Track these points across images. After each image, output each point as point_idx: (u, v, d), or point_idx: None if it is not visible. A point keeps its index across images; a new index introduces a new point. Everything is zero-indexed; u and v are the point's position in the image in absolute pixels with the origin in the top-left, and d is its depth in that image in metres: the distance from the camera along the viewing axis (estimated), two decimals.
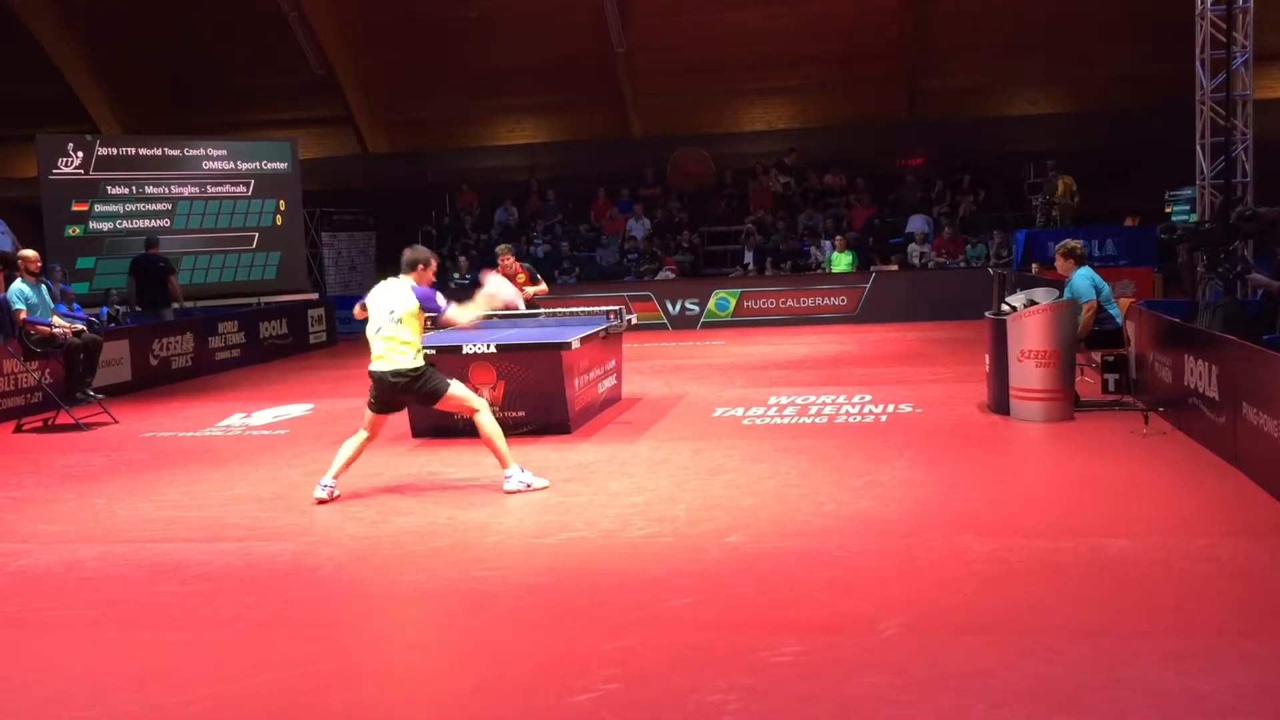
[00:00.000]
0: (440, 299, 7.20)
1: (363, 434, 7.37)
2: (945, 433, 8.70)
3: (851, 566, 5.47)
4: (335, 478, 7.26)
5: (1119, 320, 9.42)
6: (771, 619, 4.78)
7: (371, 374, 7.22)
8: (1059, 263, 9.58)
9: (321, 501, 7.14)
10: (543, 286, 11.86)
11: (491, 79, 21.46)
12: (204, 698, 4.18)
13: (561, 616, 4.97)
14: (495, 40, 20.80)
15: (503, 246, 12.03)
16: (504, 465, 7.26)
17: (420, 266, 7.27)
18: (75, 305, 13.47)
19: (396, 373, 7.08)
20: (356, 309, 7.50)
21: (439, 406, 7.45)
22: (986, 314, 9.58)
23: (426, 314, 7.23)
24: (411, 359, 7.10)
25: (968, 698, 3.90)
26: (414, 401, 7.46)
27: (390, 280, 7.29)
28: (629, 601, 5.07)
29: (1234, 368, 7.13)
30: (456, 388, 7.29)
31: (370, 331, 7.19)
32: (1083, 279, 9.29)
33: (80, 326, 11.15)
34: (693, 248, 20.59)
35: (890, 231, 19.92)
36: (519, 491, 7.15)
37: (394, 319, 7.08)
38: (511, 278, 10.83)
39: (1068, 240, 9.80)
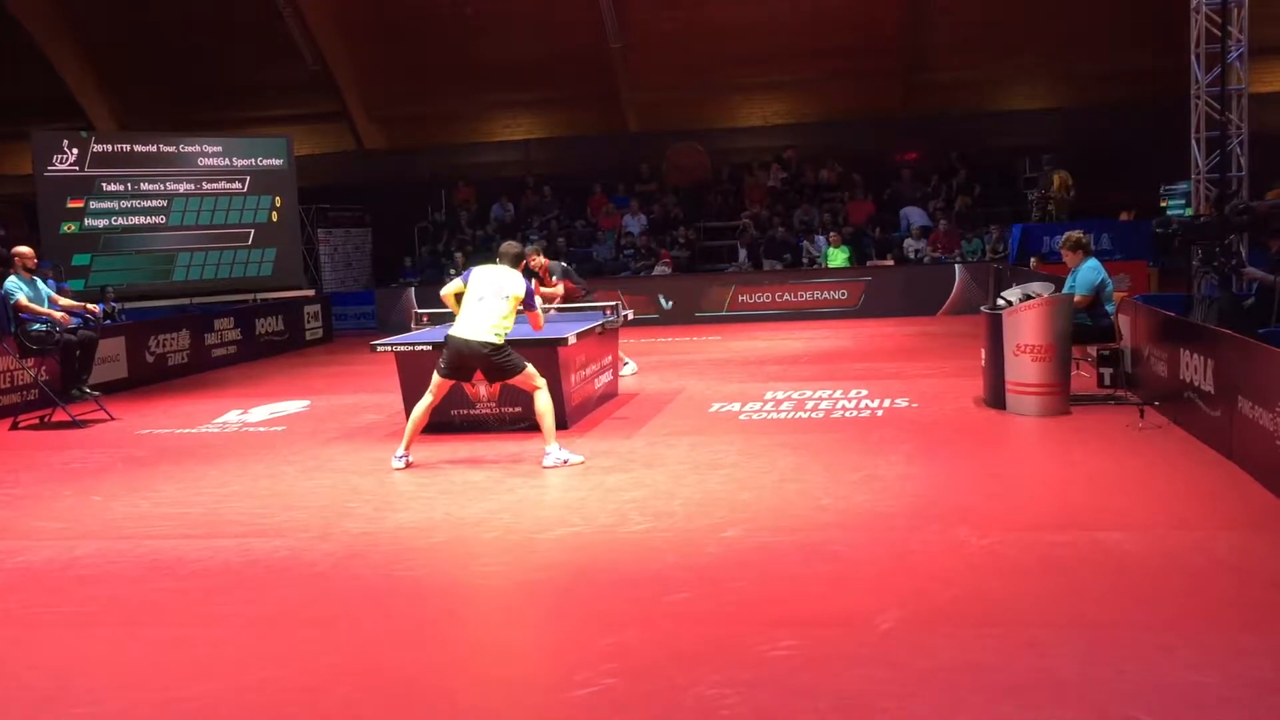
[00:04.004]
0: (535, 304, 8.12)
1: (428, 398, 7.97)
2: (942, 427, 8.72)
3: (849, 561, 5.48)
4: (408, 449, 7.96)
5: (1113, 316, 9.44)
6: (769, 613, 4.79)
7: (452, 338, 7.82)
8: (1066, 256, 9.53)
9: (399, 470, 7.84)
10: (555, 291, 11.60)
11: (487, 75, 21.42)
12: (202, 694, 4.19)
13: (559, 612, 4.98)
14: (491, 36, 20.77)
15: (531, 247, 12.09)
16: (546, 442, 7.83)
17: (524, 261, 8.29)
18: None
19: (484, 343, 7.72)
20: (449, 290, 8.08)
21: (508, 382, 8.09)
22: (982, 308, 9.58)
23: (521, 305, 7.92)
24: (500, 335, 7.77)
25: (964, 691, 3.91)
26: (485, 371, 8.02)
27: (501, 267, 7.99)
28: (626, 596, 5.08)
29: (1230, 362, 7.15)
30: (530, 369, 7.89)
31: (471, 299, 7.81)
32: (1089, 272, 9.26)
33: (88, 308, 11.18)
34: (689, 243, 20.59)
35: (890, 227, 19.94)
36: (556, 467, 7.68)
37: (503, 296, 7.77)
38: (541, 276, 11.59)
39: (1070, 233, 9.73)
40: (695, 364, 13.26)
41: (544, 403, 7.82)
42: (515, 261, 8.05)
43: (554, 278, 11.82)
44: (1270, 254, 10.58)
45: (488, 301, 7.75)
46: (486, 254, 15.24)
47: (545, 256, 12.19)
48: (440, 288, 8.27)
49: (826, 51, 20.26)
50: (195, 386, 13.44)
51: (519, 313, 7.97)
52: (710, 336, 16.60)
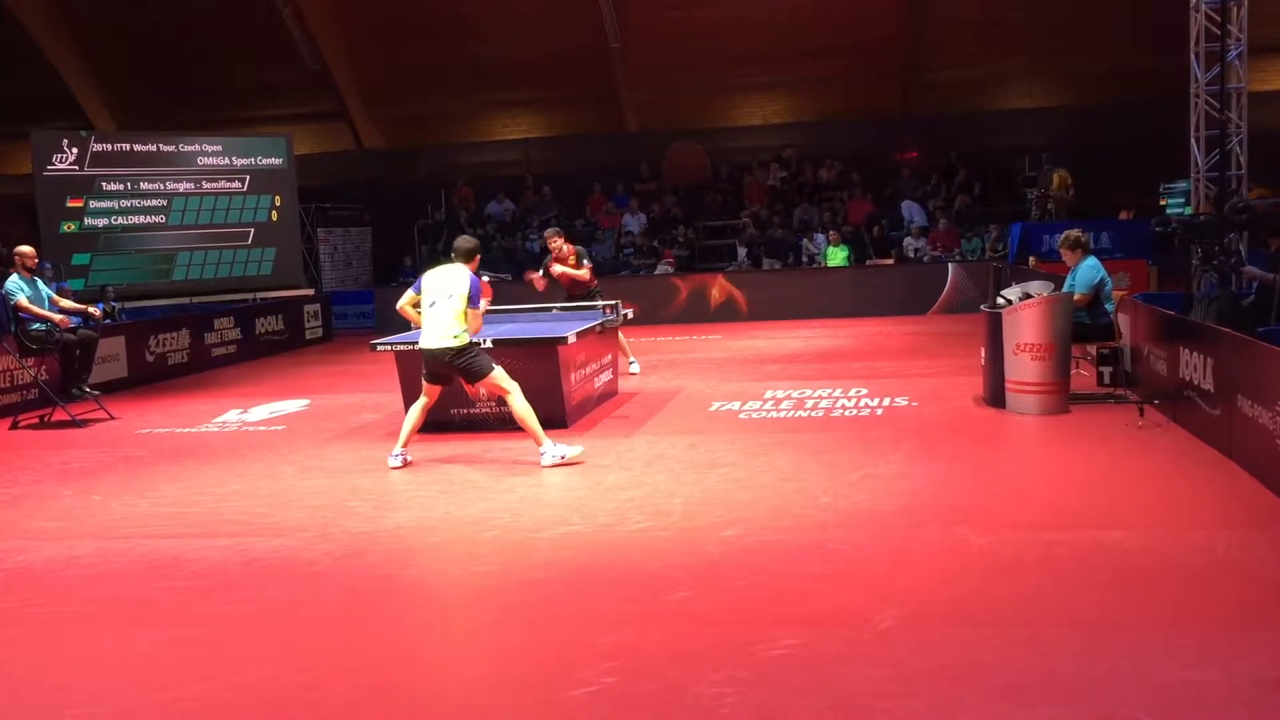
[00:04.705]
0: (481, 301, 7.90)
1: (423, 399, 8.01)
2: (941, 426, 8.72)
3: (848, 560, 5.48)
4: (405, 446, 7.95)
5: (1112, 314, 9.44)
6: (768, 612, 4.79)
7: (422, 349, 7.90)
8: (1065, 255, 9.55)
9: (396, 469, 7.83)
10: (583, 273, 11.84)
11: (487, 74, 21.42)
12: (201, 693, 4.18)
13: (558, 611, 4.98)
14: (490, 36, 20.76)
15: (552, 229, 12.43)
16: (538, 443, 7.76)
17: (477, 256, 8.02)
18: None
19: (446, 349, 7.71)
20: (404, 302, 8.10)
21: (477, 384, 8.06)
22: (982, 307, 9.58)
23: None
24: (459, 338, 7.70)
25: (964, 690, 3.91)
26: (459, 375, 7.96)
27: (448, 266, 7.95)
28: (626, 595, 5.08)
29: (1229, 360, 7.15)
30: (497, 372, 7.82)
31: (425, 307, 7.83)
32: (1088, 271, 9.27)
33: (89, 310, 11.19)
34: (688, 242, 20.59)
35: (891, 225, 19.94)
36: (556, 465, 7.63)
37: (448, 296, 7.72)
38: (565, 260, 11.75)
39: (1069, 231, 9.75)
40: (694, 363, 13.26)
41: (520, 407, 7.77)
42: (468, 257, 7.93)
43: (585, 261, 11.97)
44: (1269, 252, 10.59)
45: (438, 306, 7.74)
46: (485, 253, 15.16)
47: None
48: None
49: (826, 51, 20.26)
50: (195, 386, 13.44)
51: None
52: (711, 335, 16.59)
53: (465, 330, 7.73)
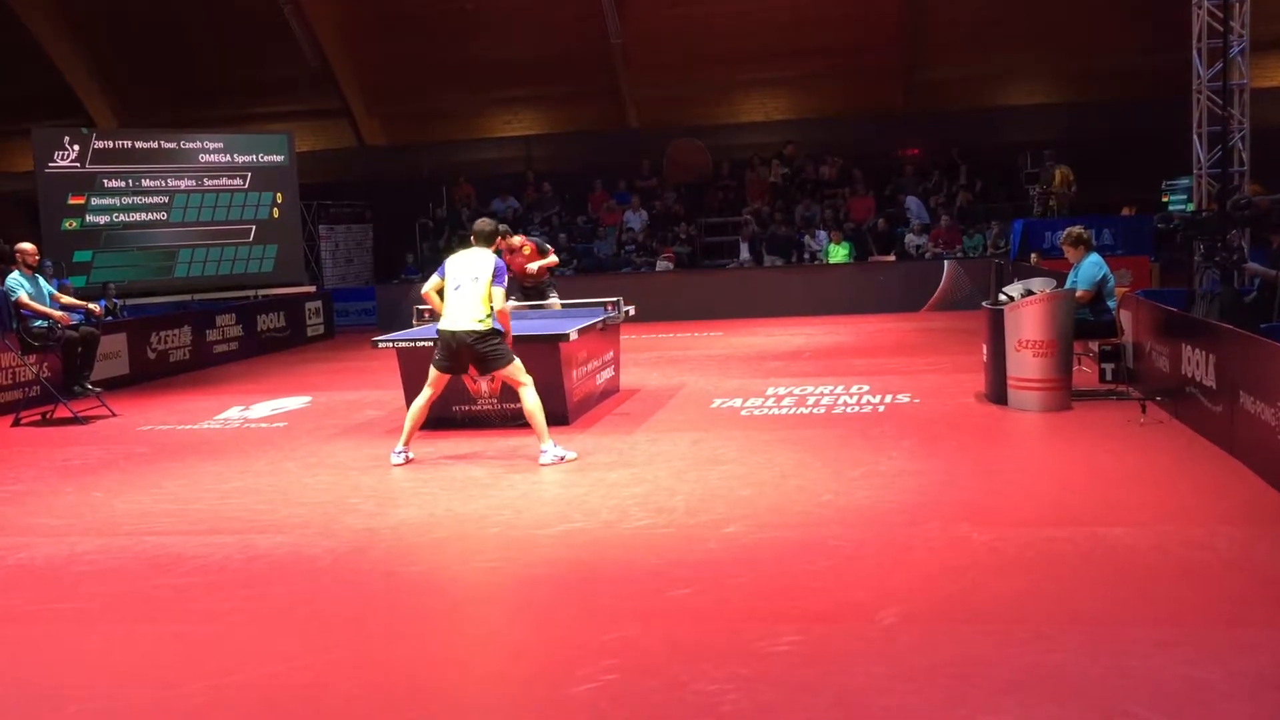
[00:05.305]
0: (505, 281, 7.79)
1: (427, 392, 7.96)
2: (943, 423, 8.71)
3: (849, 556, 5.48)
4: (407, 444, 7.95)
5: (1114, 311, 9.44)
6: (770, 609, 4.79)
7: (441, 331, 7.80)
8: (1068, 252, 9.56)
9: (398, 465, 7.84)
10: (552, 259, 11.13)
11: (488, 71, 21.41)
12: (203, 690, 4.18)
13: (560, 607, 4.98)
14: (491, 33, 20.75)
15: (504, 227, 11.36)
16: (541, 440, 7.76)
17: (499, 238, 7.97)
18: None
19: (469, 332, 7.66)
20: (429, 288, 7.95)
21: (493, 373, 7.93)
22: (984, 304, 9.58)
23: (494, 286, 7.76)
24: (483, 321, 7.67)
25: (965, 686, 3.91)
26: (474, 362, 7.88)
27: (473, 249, 7.88)
28: (627, 592, 5.08)
29: (1232, 357, 7.14)
30: (516, 364, 7.81)
31: (449, 290, 7.76)
32: (1090, 267, 9.28)
33: (89, 307, 11.18)
34: (690, 239, 20.59)
35: (893, 223, 19.92)
36: (553, 464, 7.64)
37: (476, 282, 7.68)
38: (517, 254, 10.74)
39: (1071, 228, 9.76)
40: (696, 360, 13.26)
41: (531, 401, 7.78)
42: (489, 240, 7.90)
43: (549, 245, 11.31)
44: (1272, 249, 10.56)
45: (464, 289, 7.69)
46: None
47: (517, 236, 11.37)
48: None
49: (827, 48, 20.25)
50: (197, 383, 13.44)
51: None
52: (712, 333, 16.59)
53: (490, 315, 7.68)
